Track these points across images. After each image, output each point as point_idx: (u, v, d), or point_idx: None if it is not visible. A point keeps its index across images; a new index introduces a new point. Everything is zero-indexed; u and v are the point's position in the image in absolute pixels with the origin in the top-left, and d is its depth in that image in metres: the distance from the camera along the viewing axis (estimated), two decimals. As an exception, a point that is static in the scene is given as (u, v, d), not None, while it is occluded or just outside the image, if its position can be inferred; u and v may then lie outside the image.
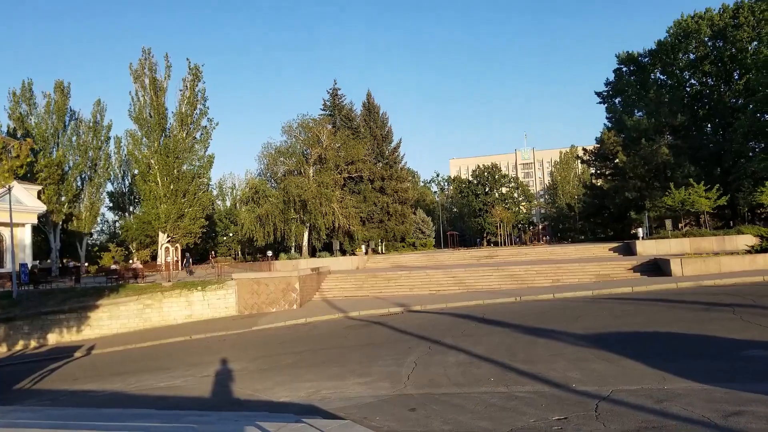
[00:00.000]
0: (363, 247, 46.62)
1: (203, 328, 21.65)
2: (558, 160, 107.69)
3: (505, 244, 73.35)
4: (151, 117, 42.19)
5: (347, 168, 46.34)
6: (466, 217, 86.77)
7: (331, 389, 9.40)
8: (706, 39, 48.71)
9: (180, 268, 41.46)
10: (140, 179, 43.38)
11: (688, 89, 51.66)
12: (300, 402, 8.64)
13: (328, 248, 45.82)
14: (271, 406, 8.58)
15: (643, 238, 37.96)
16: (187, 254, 46.62)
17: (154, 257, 46.08)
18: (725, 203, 38.88)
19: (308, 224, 44.64)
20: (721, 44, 48.11)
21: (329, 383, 9.90)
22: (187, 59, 43.20)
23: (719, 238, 32.42)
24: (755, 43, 45.53)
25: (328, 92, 55.15)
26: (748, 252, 25.59)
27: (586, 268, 26.78)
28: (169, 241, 42.78)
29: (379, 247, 53.12)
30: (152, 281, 29.05)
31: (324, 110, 54.43)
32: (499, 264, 31.70)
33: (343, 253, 45.78)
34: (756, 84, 43.09)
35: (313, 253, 45.69)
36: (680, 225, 43.40)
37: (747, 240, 29.59)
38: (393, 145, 56.05)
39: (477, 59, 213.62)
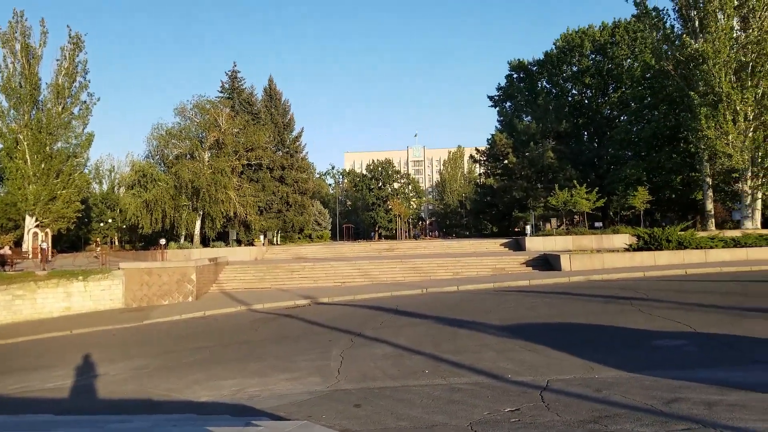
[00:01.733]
0: (261, 237, 45.15)
1: (86, 322, 19.72)
2: (447, 158, 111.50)
3: (399, 238, 74.66)
4: (21, 87, 37.91)
5: (246, 155, 44.50)
6: (360, 210, 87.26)
7: (256, 387, 8.78)
8: (588, 53, 52.58)
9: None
10: (5, 156, 38.84)
11: (570, 99, 55.51)
12: (227, 402, 7.95)
13: (222, 238, 43.83)
14: (194, 407, 7.82)
15: (530, 235, 40.22)
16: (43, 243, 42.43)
17: (18, 243, 41.48)
18: (602, 205, 42.19)
19: (201, 212, 42.34)
20: (600, 59, 52.16)
21: (252, 380, 9.26)
22: (68, 26, 39.54)
23: (598, 236, 35.04)
24: (629, 60, 49.91)
25: (227, 74, 52.77)
26: (627, 250, 27.90)
27: (484, 261, 27.79)
28: (37, 226, 38.70)
29: (275, 238, 51.81)
30: (22, 269, 26.09)
31: (222, 92, 51.95)
32: (402, 257, 32.06)
33: (239, 243, 44.05)
34: (629, 98, 47.28)
35: (205, 242, 43.48)
36: (560, 224, 46.57)
37: (623, 239, 32.20)
38: (295, 133, 54.86)
39: (374, 55, 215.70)
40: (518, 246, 35.78)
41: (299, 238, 53.59)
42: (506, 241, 37.88)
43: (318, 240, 59.19)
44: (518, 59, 58.41)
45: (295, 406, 7.26)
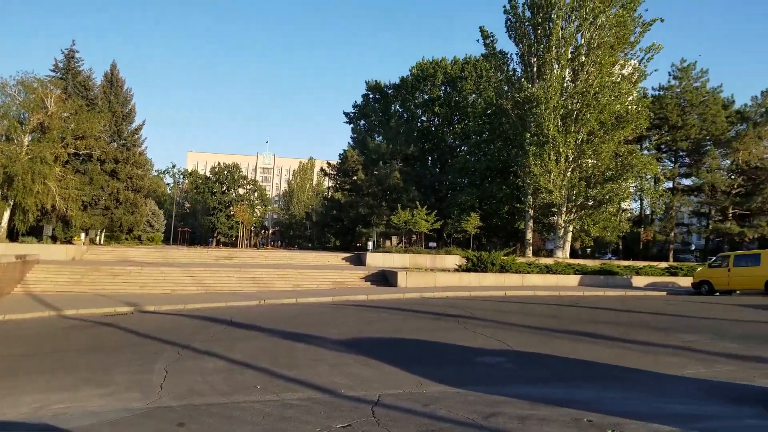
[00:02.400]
0: (83, 235, 40.82)
1: None
2: (297, 169, 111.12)
3: (239, 246, 72.33)
4: None
5: (75, 143, 40.00)
6: (199, 214, 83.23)
7: (64, 403, 7.78)
8: (439, 84, 55.98)
9: None
10: None
11: (420, 124, 58.58)
12: (26, 421, 6.93)
13: (35, 233, 38.88)
14: (-18, 425, 6.70)
15: (371, 250, 41.33)
16: None
17: None
18: (439, 227, 44.81)
19: (12, 202, 37.19)
20: (450, 91, 55.80)
21: (60, 395, 8.20)
22: None
23: (432, 256, 37.05)
24: (474, 95, 54.03)
25: (64, 53, 47.42)
26: (457, 270, 29.82)
27: (325, 274, 27.88)
28: None
29: (99, 238, 47.29)
30: None
31: (55, 72, 46.48)
32: (241, 265, 31.00)
33: (55, 240, 39.44)
34: (470, 131, 51.05)
35: (13, 236, 38.26)
36: (399, 242, 48.63)
37: (455, 260, 34.38)
38: (134, 125, 50.84)
39: (231, 57, 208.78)
40: (359, 261, 36.51)
41: (127, 239, 49.49)
42: (348, 255, 38.48)
43: (149, 242, 55.25)
44: (375, 80, 60.45)
45: (108, 426, 6.53)
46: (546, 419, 6.53)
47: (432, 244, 47.21)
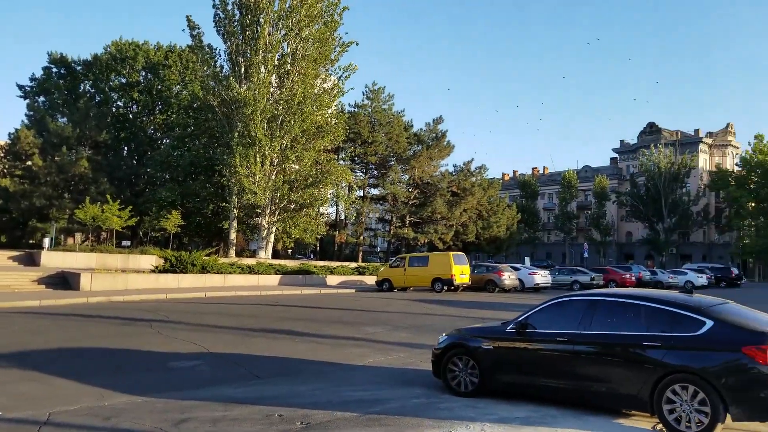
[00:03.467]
0: None
1: None
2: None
3: None
4: None
5: None
6: None
7: None
8: (140, 68, 51.60)
9: None
10: None
11: (115, 110, 53.04)
12: None
13: None
14: None
15: (49, 249, 35.74)
16: None
17: None
18: (134, 224, 41.25)
19: None
20: (152, 78, 51.91)
21: None
22: None
23: (125, 256, 33.92)
24: (179, 86, 51.43)
25: None
26: (153, 271, 27.88)
27: (-15, 278, 23.05)
28: None
29: None
30: None
31: None
32: None
33: None
34: (174, 123, 48.43)
35: None
36: (86, 240, 43.29)
37: (151, 260, 32.09)
38: None
39: None
40: (32, 261, 31.32)
41: None
42: (18, 254, 32.67)
43: None
44: (61, 53, 52.49)
45: None
46: (238, 419, 6.51)
47: (126, 243, 43.22)
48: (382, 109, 53.33)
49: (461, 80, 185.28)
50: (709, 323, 6.14)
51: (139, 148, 52.70)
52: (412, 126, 55.80)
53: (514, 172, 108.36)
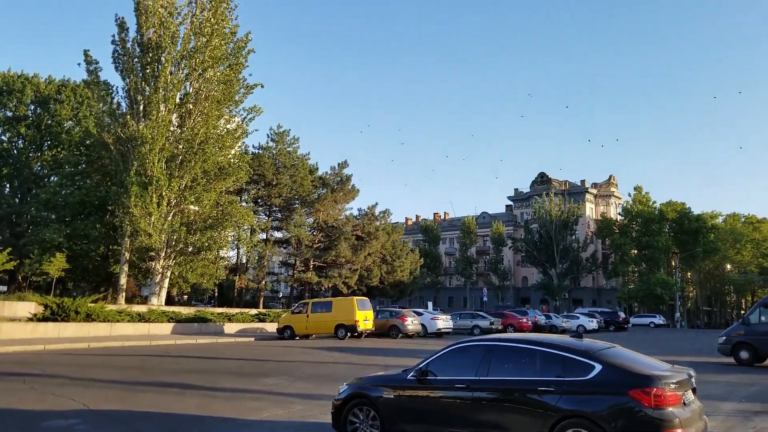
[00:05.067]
0: None
1: None
2: None
3: None
4: None
5: None
6: None
7: None
8: (28, 102, 48.35)
9: None
10: None
11: (-1, 145, 49.07)
12: None
13: None
14: None
15: None
16: None
17: None
18: (13, 267, 37.72)
19: None
20: (41, 112, 48.72)
21: None
22: None
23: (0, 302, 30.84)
24: (71, 122, 48.56)
25: None
26: (31, 319, 25.47)
27: None
28: None
29: None
30: None
31: None
32: None
33: None
34: (64, 160, 45.39)
35: None
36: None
37: (29, 307, 29.27)
38: None
39: None
40: None
41: None
42: None
43: None
44: (-67, 79, 48.11)
45: None
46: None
47: (2, 288, 39.32)
48: (287, 151, 53.23)
49: (369, 127, 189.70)
50: (599, 367, 6.33)
51: (23, 185, 48.84)
52: (317, 169, 56.03)
53: (417, 217, 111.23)
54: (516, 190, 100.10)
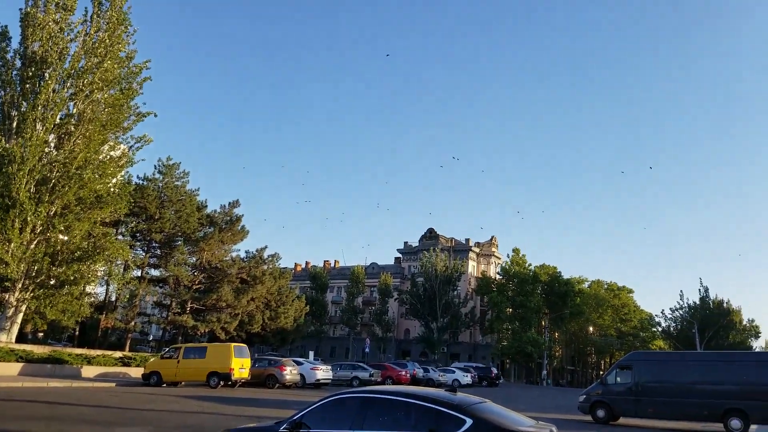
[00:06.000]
0: None
1: None
2: None
3: None
4: None
5: None
6: None
7: None
8: None
9: None
10: None
11: None
12: None
13: None
14: None
15: None
16: None
17: None
18: None
19: None
20: None
21: None
22: None
23: None
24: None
25: None
26: None
27: None
28: None
29: None
30: None
31: None
32: None
33: None
34: None
35: None
36: None
37: None
38: None
39: None
40: None
41: None
42: None
43: None
44: None
45: None
46: None
47: None
48: (175, 185, 50.85)
49: (261, 167, 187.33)
50: (469, 421, 6.48)
51: None
52: (206, 206, 53.93)
53: (307, 263, 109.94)
54: (406, 243, 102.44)
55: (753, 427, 19.58)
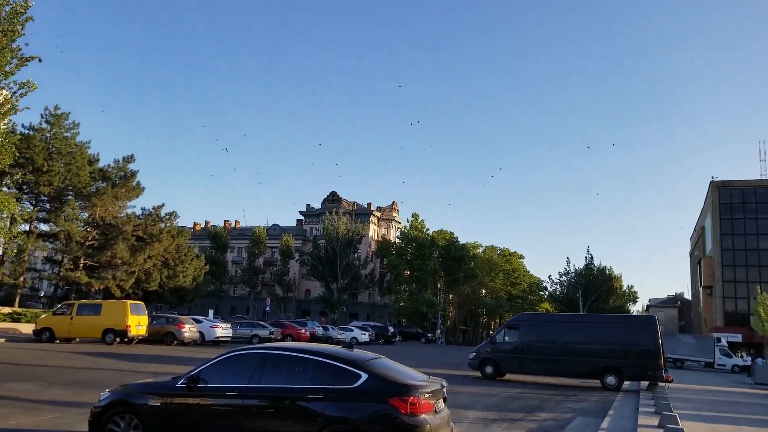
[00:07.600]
0: None
1: None
2: None
3: None
4: None
5: None
6: None
7: None
8: None
9: None
10: None
11: None
12: None
13: None
14: None
15: None
16: None
17: None
18: None
19: None
20: None
21: None
22: None
23: None
24: None
25: None
26: None
27: None
28: None
29: None
30: None
31: None
32: None
33: None
34: None
35: None
36: None
37: None
38: None
39: None
40: None
41: None
42: None
43: None
44: None
45: None
46: None
47: None
48: (64, 137, 47.80)
49: (162, 122, 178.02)
50: (364, 376, 6.78)
51: None
52: (98, 160, 51.17)
53: (206, 222, 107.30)
54: (308, 205, 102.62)
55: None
